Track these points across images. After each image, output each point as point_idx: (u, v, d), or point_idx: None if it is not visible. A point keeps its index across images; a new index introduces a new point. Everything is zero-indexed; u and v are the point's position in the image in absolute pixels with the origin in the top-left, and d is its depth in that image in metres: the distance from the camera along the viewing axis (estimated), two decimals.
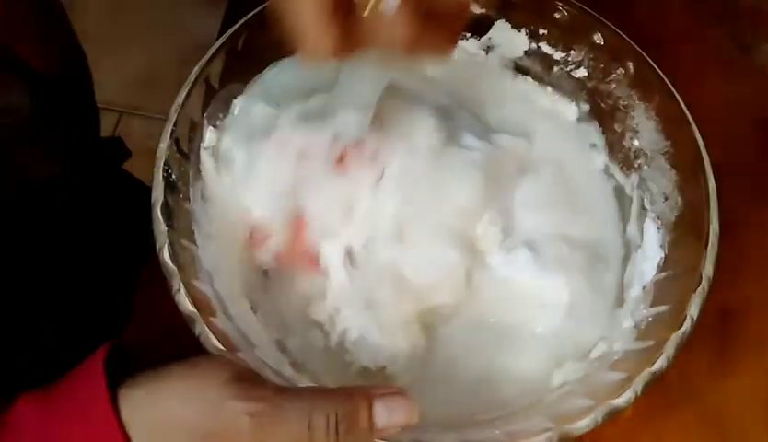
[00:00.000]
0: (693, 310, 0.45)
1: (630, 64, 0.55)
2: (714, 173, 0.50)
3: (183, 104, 0.50)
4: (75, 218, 0.65)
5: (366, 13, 0.39)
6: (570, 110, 0.59)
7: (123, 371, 0.38)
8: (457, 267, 0.51)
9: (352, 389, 0.39)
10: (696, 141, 0.51)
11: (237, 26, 0.53)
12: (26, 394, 0.37)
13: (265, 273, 0.51)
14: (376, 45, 0.41)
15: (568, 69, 0.58)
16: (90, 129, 0.71)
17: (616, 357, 0.48)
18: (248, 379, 0.38)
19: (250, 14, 0.54)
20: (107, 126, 1.24)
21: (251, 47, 0.54)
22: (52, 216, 0.62)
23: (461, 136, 0.54)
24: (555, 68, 0.59)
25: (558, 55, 0.58)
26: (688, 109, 0.53)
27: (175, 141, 0.49)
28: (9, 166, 0.57)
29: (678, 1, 0.70)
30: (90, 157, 0.68)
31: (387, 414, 0.38)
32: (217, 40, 0.53)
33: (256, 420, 0.36)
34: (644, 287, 0.51)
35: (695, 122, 0.52)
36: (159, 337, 0.51)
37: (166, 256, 0.45)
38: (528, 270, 0.52)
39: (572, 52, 0.58)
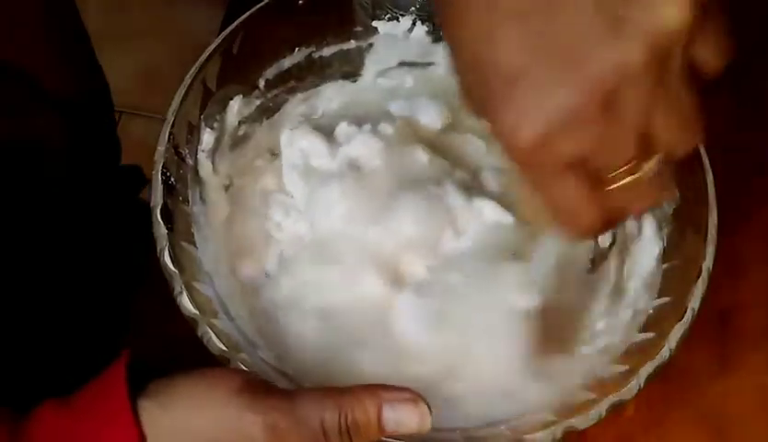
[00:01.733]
0: (695, 302, 0.46)
1: None
2: (712, 170, 0.50)
3: (180, 106, 0.50)
4: (84, 239, 0.65)
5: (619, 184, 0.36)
6: None
7: (138, 379, 0.38)
8: None
9: (361, 391, 0.38)
10: None
11: (232, 26, 0.53)
12: (47, 404, 0.37)
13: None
14: (629, 213, 0.38)
15: None
16: (112, 156, 0.71)
17: (618, 350, 0.48)
18: (257, 388, 0.37)
19: (246, 14, 0.54)
20: None
21: (248, 48, 0.54)
22: (62, 238, 0.62)
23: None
24: None
25: None
26: None
27: (173, 143, 0.49)
28: (36, 192, 0.58)
29: None
30: (110, 186, 0.68)
31: (396, 422, 0.37)
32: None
33: (270, 430, 0.36)
34: (644, 280, 0.51)
35: None
36: (159, 350, 0.51)
37: (166, 259, 0.44)
38: None
39: None
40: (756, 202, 0.60)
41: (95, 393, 0.38)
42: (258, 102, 0.56)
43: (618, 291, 0.52)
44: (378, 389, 0.38)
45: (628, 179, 0.36)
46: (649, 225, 0.53)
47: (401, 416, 0.37)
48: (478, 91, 0.36)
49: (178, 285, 0.44)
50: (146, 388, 0.38)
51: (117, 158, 0.72)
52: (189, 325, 0.43)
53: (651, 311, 0.48)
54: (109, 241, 0.68)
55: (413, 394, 0.38)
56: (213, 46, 0.53)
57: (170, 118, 0.49)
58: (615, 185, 0.36)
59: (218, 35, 0.53)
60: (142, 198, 0.75)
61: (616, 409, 0.43)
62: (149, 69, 1.32)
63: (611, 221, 0.38)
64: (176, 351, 0.47)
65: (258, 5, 0.54)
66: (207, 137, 0.52)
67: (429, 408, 0.38)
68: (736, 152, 0.60)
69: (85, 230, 0.64)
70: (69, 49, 0.61)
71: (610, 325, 0.50)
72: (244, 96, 0.55)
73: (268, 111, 0.57)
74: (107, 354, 0.47)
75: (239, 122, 0.55)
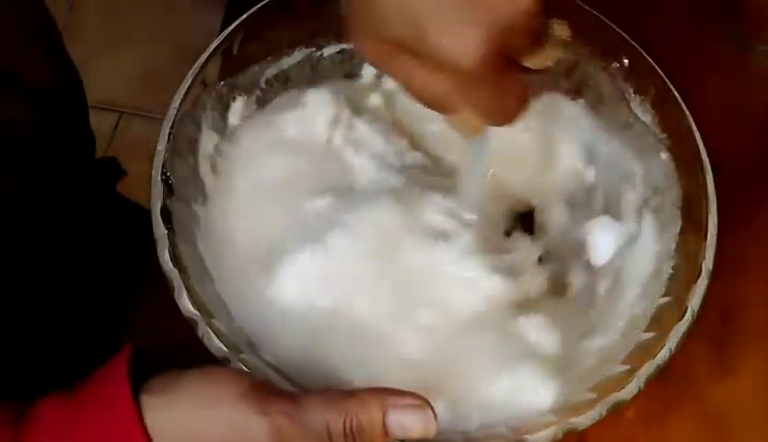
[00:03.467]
0: (695, 302, 0.46)
1: (624, 58, 0.56)
2: (711, 166, 0.51)
3: (180, 105, 0.50)
4: (70, 235, 0.65)
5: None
6: (567, 105, 0.59)
7: (140, 373, 0.38)
8: None
9: (366, 395, 0.38)
10: (693, 132, 0.52)
11: (233, 26, 0.53)
12: (49, 396, 0.37)
13: None
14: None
15: (563, 64, 0.58)
16: (86, 148, 0.71)
17: (618, 350, 0.48)
18: (262, 391, 0.38)
19: (246, 14, 0.53)
20: (107, 126, 1.24)
21: (248, 47, 0.54)
22: (47, 232, 0.62)
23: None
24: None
25: None
26: (688, 109, 0.53)
27: (172, 143, 0.49)
28: (8, 179, 0.57)
29: (678, 1, 0.70)
30: (86, 177, 0.68)
31: (401, 427, 0.37)
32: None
33: (276, 433, 0.36)
34: (644, 280, 0.51)
35: (694, 121, 0.52)
36: (159, 350, 0.51)
37: (166, 259, 0.44)
38: None
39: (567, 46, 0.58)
40: (756, 201, 0.60)
41: (98, 392, 0.37)
42: (258, 102, 0.56)
43: (619, 291, 0.52)
44: (383, 393, 0.38)
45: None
46: (650, 225, 0.53)
47: (406, 421, 0.37)
48: (408, 30, 0.39)
49: (178, 286, 0.44)
50: (152, 382, 0.38)
51: (91, 151, 0.72)
52: (189, 325, 0.43)
53: (651, 311, 0.48)
54: (100, 238, 0.67)
55: (418, 399, 0.38)
56: (213, 45, 0.53)
57: (170, 117, 0.49)
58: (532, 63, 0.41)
59: (218, 35, 0.53)
60: (120, 192, 0.75)
61: (617, 409, 0.43)
62: (149, 70, 1.32)
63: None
64: (176, 351, 0.47)
65: (258, 5, 0.54)
66: (207, 136, 0.52)
67: (434, 413, 0.38)
68: (736, 151, 0.60)
69: (70, 225, 0.64)
70: (38, 38, 0.61)
71: (610, 325, 0.50)
72: (245, 95, 0.55)
73: (268, 112, 0.57)
74: (106, 352, 0.47)
75: (240, 122, 0.55)
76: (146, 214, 0.46)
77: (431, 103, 0.42)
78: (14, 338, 0.57)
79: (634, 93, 0.55)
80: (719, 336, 0.56)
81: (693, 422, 0.53)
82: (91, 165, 0.72)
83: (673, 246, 0.50)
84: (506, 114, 0.42)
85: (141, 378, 0.38)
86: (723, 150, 0.52)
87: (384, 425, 0.37)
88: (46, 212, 0.61)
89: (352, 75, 0.59)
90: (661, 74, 0.54)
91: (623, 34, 0.56)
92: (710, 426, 0.53)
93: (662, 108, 0.54)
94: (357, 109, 0.57)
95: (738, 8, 0.70)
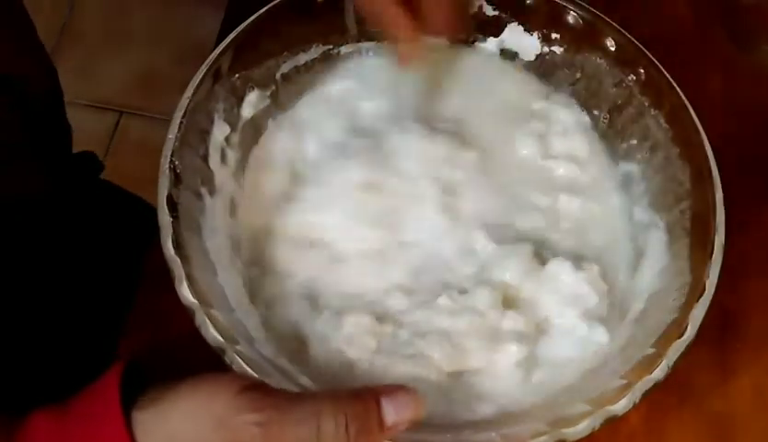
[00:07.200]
0: (696, 319, 0.45)
1: (641, 71, 0.55)
2: None
3: (192, 96, 0.50)
4: (59, 233, 0.65)
5: None
6: (581, 116, 0.59)
7: (134, 384, 0.39)
8: None
9: (359, 390, 0.39)
10: (705, 150, 0.51)
11: (249, 20, 0.53)
12: (40, 411, 0.38)
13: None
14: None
15: (579, 74, 0.58)
16: (63, 140, 0.71)
17: (616, 363, 0.47)
18: (255, 391, 0.38)
19: (264, 9, 0.54)
20: (107, 126, 1.25)
21: (263, 42, 0.54)
22: (36, 231, 0.63)
23: None
24: (567, 72, 0.59)
25: (569, 59, 0.58)
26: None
27: (183, 132, 0.49)
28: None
29: (678, 1, 0.70)
30: (65, 172, 0.68)
31: (395, 411, 0.38)
32: (218, 39, 0.53)
33: (265, 428, 0.36)
34: (647, 294, 0.50)
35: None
36: (157, 351, 0.51)
37: (169, 246, 0.45)
38: None
39: (583, 56, 0.58)
40: (757, 203, 0.60)
41: (88, 408, 0.38)
42: (272, 96, 0.56)
43: (623, 305, 0.52)
44: (374, 387, 0.39)
45: None
46: (656, 240, 0.52)
47: (399, 406, 0.38)
48: None
49: (179, 274, 0.44)
50: (145, 394, 0.38)
51: (69, 143, 0.72)
52: (187, 327, 0.43)
53: (652, 326, 0.48)
54: (91, 231, 0.67)
55: (405, 385, 0.39)
56: (229, 39, 0.53)
57: (182, 106, 0.49)
58: None
59: (218, 36, 0.54)
60: (105, 180, 0.74)
61: (610, 422, 0.43)
62: (149, 69, 1.32)
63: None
64: (174, 352, 0.47)
65: (274, 2, 0.54)
66: (219, 128, 0.52)
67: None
68: (736, 152, 0.60)
69: (57, 222, 0.64)
70: (22, 37, 0.61)
71: (611, 337, 0.50)
72: (259, 89, 0.55)
73: (282, 106, 0.57)
74: (104, 351, 0.47)
75: (252, 115, 0.55)
76: (144, 203, 0.47)
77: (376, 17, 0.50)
78: (9, 341, 0.58)
79: (649, 107, 0.55)
80: (719, 337, 0.55)
81: (693, 424, 0.53)
82: (69, 158, 0.72)
83: (679, 262, 0.50)
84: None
85: (134, 390, 0.38)
86: (723, 151, 0.52)
87: (379, 414, 0.37)
88: (31, 210, 0.61)
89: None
90: (677, 89, 0.54)
91: (641, 46, 0.55)
92: (710, 429, 0.53)
93: (676, 123, 0.54)
94: None
95: (738, 8, 0.69)
